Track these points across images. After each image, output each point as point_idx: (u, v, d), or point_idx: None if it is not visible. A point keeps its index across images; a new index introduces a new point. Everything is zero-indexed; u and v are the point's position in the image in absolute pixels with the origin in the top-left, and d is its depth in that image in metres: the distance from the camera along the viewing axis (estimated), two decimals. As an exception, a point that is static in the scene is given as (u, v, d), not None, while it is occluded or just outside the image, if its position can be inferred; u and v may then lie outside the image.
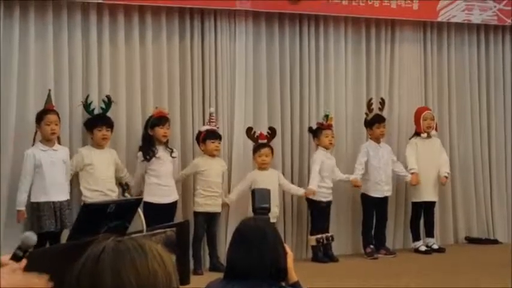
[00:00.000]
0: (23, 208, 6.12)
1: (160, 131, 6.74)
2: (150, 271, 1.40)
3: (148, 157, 6.68)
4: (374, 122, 7.70)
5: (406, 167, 7.80)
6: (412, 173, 7.72)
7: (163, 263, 1.43)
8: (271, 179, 7.09)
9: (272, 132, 7.29)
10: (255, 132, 7.23)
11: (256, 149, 7.17)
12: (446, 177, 7.90)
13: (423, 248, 7.81)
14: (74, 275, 1.42)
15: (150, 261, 1.41)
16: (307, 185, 7.42)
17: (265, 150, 7.16)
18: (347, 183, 7.68)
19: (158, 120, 6.77)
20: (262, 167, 7.16)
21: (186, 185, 7.14)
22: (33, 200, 6.13)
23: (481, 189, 8.53)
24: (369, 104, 7.81)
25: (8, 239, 6.20)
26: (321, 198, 7.36)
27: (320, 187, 7.34)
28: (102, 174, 6.46)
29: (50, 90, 6.43)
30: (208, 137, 6.96)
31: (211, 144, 6.95)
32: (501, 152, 8.65)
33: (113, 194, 6.43)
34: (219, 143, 7.02)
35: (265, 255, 2.82)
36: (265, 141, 7.20)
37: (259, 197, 3.30)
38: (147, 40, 7.02)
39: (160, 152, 6.74)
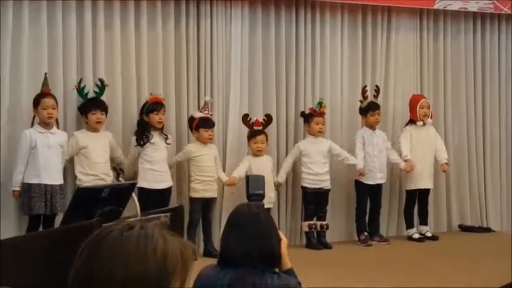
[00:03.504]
0: (18, 188, 6.10)
1: (155, 117, 6.72)
2: (142, 273, 1.31)
3: (142, 142, 6.66)
4: (368, 109, 7.68)
5: (400, 155, 7.80)
6: (405, 160, 7.72)
7: (163, 264, 1.33)
8: (265, 165, 7.10)
9: (268, 119, 7.28)
10: (250, 119, 7.21)
11: (252, 135, 7.15)
12: (446, 163, 7.89)
13: (417, 236, 7.82)
14: (78, 254, 1.37)
15: (146, 260, 1.32)
16: (300, 171, 7.43)
17: (261, 137, 7.15)
18: (342, 170, 7.68)
19: (153, 106, 6.75)
20: (257, 153, 7.15)
21: (181, 171, 7.13)
22: (25, 181, 6.11)
23: (475, 177, 8.54)
24: (363, 91, 7.79)
25: (2, 220, 6.20)
26: (307, 185, 7.35)
27: (306, 174, 7.32)
28: (97, 158, 6.44)
29: (46, 73, 6.39)
30: (201, 125, 6.94)
31: (204, 133, 6.93)
32: (495, 141, 8.66)
33: (108, 178, 6.42)
34: (212, 131, 7.00)
35: (259, 241, 2.81)
36: (260, 127, 7.19)
37: (253, 184, 3.30)
38: (142, 25, 6.98)
39: (155, 137, 6.73)
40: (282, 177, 7.40)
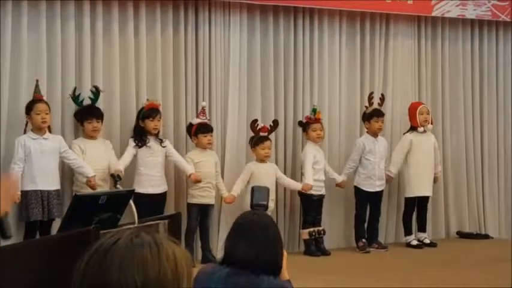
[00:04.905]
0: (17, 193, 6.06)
1: (150, 123, 6.72)
2: (159, 275, 1.34)
3: (140, 144, 6.67)
4: (372, 115, 7.69)
5: (391, 164, 7.80)
6: (389, 174, 7.74)
7: (175, 267, 1.36)
8: (269, 172, 7.14)
9: (274, 124, 7.31)
10: (258, 124, 7.22)
11: (259, 141, 7.15)
12: (437, 176, 7.96)
13: (415, 243, 7.82)
14: (82, 263, 1.38)
15: (162, 265, 1.35)
16: (300, 178, 7.43)
17: (268, 142, 7.17)
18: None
19: (149, 112, 6.74)
20: (264, 159, 7.16)
21: (179, 176, 7.13)
22: (21, 188, 6.10)
23: (473, 184, 8.55)
24: (370, 98, 7.82)
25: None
26: (313, 192, 7.36)
27: (315, 181, 7.33)
28: (95, 165, 6.44)
29: (37, 80, 6.38)
30: (199, 130, 6.94)
31: (203, 138, 6.93)
32: (493, 147, 8.67)
33: (105, 184, 6.42)
34: (211, 136, 7.00)
35: (266, 249, 2.84)
36: (266, 133, 7.21)
37: (257, 194, 3.33)
38: (140, 31, 6.99)
39: (151, 142, 6.74)
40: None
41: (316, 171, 7.37)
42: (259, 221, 2.93)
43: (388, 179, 7.84)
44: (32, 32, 6.52)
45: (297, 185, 7.35)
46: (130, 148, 6.69)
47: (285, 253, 2.99)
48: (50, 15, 6.59)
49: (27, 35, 6.49)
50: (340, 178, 7.59)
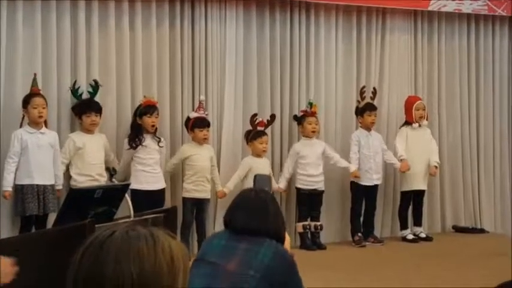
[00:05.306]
0: (9, 189, 6.07)
1: (148, 120, 6.71)
2: (155, 268, 1.35)
3: (134, 145, 6.66)
4: (365, 109, 7.70)
5: (395, 155, 7.82)
6: (401, 160, 7.74)
7: (171, 261, 1.37)
8: (266, 167, 7.13)
9: (271, 119, 7.32)
10: (257, 119, 7.23)
11: (257, 135, 7.16)
12: (436, 166, 7.93)
13: (410, 237, 7.84)
14: (78, 255, 1.38)
15: (158, 257, 1.36)
16: (295, 172, 7.44)
17: (266, 137, 7.19)
18: (337, 171, 7.69)
19: (146, 109, 6.73)
20: (262, 154, 7.17)
21: (175, 171, 7.12)
22: (17, 182, 6.09)
23: (469, 178, 8.57)
24: (362, 92, 7.82)
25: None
26: (301, 186, 7.36)
27: (301, 175, 7.33)
28: (92, 159, 6.44)
29: (35, 74, 6.38)
30: (196, 125, 6.94)
31: (199, 133, 6.93)
32: (489, 142, 8.69)
33: (102, 179, 6.42)
34: (208, 131, 7.00)
35: (267, 219, 2.85)
36: (262, 128, 7.22)
37: (260, 181, 3.38)
38: (136, 26, 6.98)
39: (148, 140, 6.72)
40: (283, 184, 7.38)
41: (303, 165, 7.36)
42: (258, 196, 2.93)
43: (403, 166, 7.66)
44: (27, 27, 6.51)
45: (275, 187, 7.33)
46: (126, 154, 6.67)
47: (287, 237, 2.99)
48: (46, 10, 6.57)
49: (22, 30, 6.47)
50: (352, 167, 7.53)
